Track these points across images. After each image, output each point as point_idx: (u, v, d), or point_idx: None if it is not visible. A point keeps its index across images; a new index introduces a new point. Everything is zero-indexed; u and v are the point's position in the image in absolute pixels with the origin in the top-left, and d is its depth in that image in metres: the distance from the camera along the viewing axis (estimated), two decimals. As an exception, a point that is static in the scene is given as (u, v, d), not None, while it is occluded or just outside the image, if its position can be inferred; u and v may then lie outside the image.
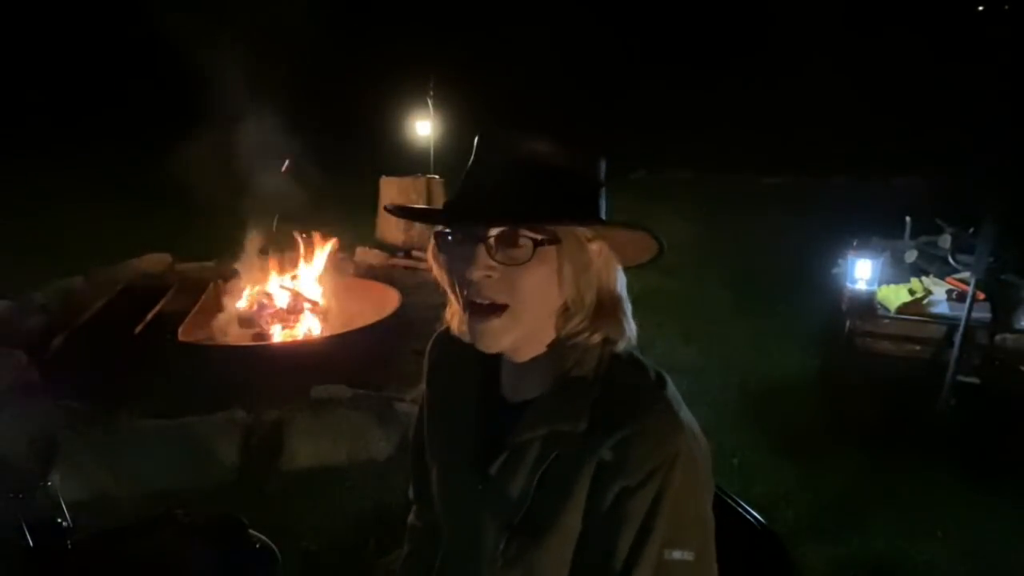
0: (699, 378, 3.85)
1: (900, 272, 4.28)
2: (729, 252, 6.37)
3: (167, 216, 6.71)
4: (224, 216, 4.56)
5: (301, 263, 4.53)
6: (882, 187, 8.51)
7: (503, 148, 0.96)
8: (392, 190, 6.43)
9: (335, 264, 4.65)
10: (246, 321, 4.09)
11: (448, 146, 7.01)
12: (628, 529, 0.91)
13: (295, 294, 4.29)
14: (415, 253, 6.05)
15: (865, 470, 3.17)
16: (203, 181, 4.29)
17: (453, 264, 0.96)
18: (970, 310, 3.44)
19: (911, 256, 4.42)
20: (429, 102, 6.63)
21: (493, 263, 0.92)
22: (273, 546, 1.44)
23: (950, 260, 4.20)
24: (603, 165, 1.00)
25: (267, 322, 4.07)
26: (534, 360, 1.01)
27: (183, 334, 3.79)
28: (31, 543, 1.25)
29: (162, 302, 4.38)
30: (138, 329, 3.97)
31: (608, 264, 0.98)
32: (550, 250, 0.93)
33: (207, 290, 4.34)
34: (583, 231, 0.95)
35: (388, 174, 6.54)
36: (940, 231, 4.46)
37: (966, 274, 3.86)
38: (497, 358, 1.06)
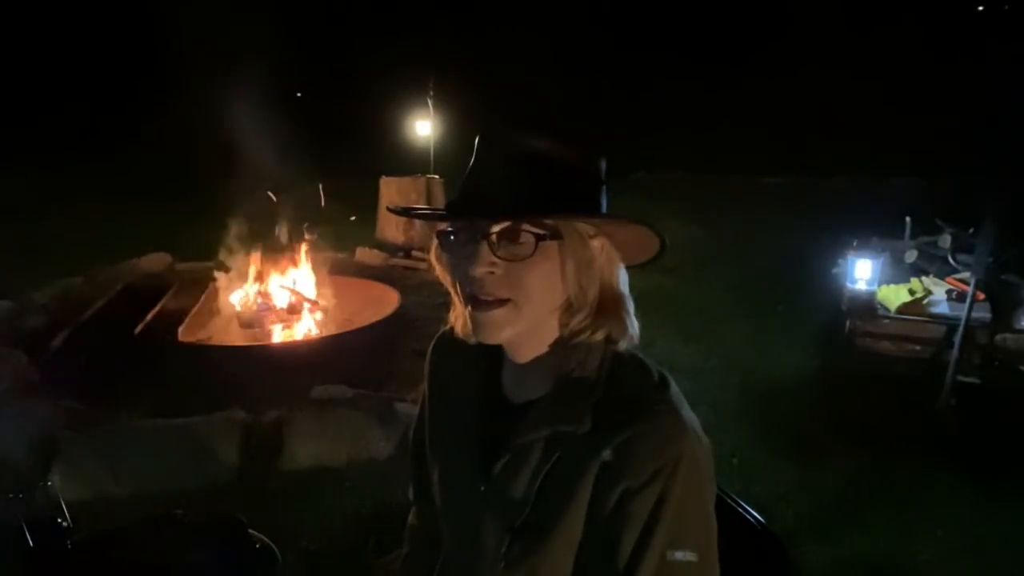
0: (699, 378, 3.84)
1: (900, 272, 4.28)
2: (729, 252, 6.37)
3: (167, 216, 6.72)
4: (223, 216, 4.56)
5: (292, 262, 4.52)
6: (882, 187, 8.51)
7: (504, 145, 0.96)
8: (392, 190, 6.43)
9: (322, 260, 4.64)
10: (246, 321, 4.09)
11: (448, 146, 7.01)
12: (631, 530, 0.90)
13: (295, 294, 4.29)
14: (415, 253, 6.05)
15: (865, 470, 3.17)
16: (203, 181, 4.29)
17: (456, 262, 0.96)
18: (970, 310, 3.45)
19: (911, 256, 4.42)
20: (429, 102, 6.63)
21: (495, 259, 0.92)
22: (273, 546, 1.45)
23: (950, 260, 4.20)
24: (604, 163, 1.00)
25: (267, 322, 4.07)
26: (536, 360, 1.01)
27: (183, 334, 3.79)
28: (31, 543, 1.25)
29: (162, 302, 4.38)
30: (138, 329, 3.98)
31: (610, 261, 0.98)
32: (552, 246, 0.93)
33: (207, 290, 4.34)
34: (585, 227, 0.95)
35: (388, 174, 6.54)
36: (940, 231, 4.46)
37: (966, 274, 3.87)
38: (499, 359, 1.06)
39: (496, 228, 0.92)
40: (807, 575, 2.46)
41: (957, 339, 3.47)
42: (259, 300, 4.23)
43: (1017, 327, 3.70)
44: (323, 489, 2.92)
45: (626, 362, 0.99)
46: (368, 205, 6.69)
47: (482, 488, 1.02)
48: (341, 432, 3.17)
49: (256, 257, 4.35)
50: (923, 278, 4.13)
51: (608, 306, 0.98)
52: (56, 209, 7.33)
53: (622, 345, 0.99)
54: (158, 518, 1.44)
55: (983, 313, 3.67)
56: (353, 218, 4.71)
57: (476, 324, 0.96)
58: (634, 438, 0.92)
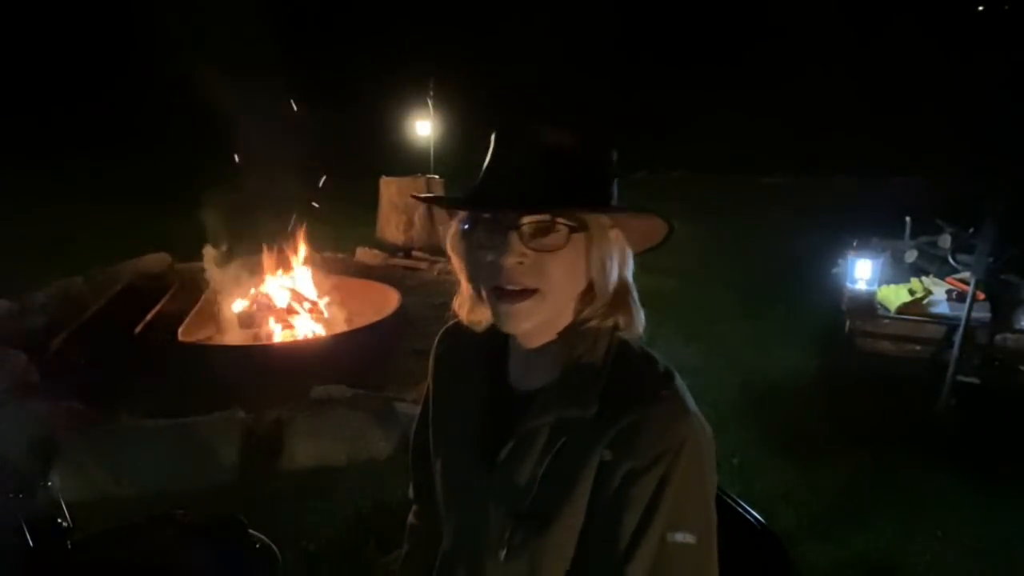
0: (699, 378, 3.84)
1: (900, 272, 4.28)
2: (729, 252, 6.37)
3: (167, 216, 6.72)
4: (224, 215, 4.56)
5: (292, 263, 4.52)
6: (882, 187, 8.51)
7: (528, 139, 0.98)
8: (392, 190, 6.43)
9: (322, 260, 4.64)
10: (246, 321, 4.09)
11: (448, 146, 7.02)
12: (632, 511, 0.92)
13: (295, 294, 4.29)
14: (415, 253, 6.06)
15: (865, 470, 3.17)
16: (203, 181, 4.30)
17: (478, 252, 0.97)
18: (970, 310, 3.45)
19: (911, 256, 4.42)
20: (429, 102, 6.63)
21: (526, 250, 0.94)
22: (273, 546, 1.44)
23: (950, 260, 4.20)
24: (616, 155, 1.02)
25: (267, 322, 4.07)
26: (544, 347, 1.02)
27: (183, 334, 3.79)
28: (31, 543, 1.25)
29: (162, 302, 4.38)
30: (138, 329, 3.97)
31: (623, 250, 1.01)
32: (580, 237, 0.95)
33: (207, 290, 4.34)
34: (604, 219, 0.97)
35: (388, 174, 6.54)
36: (940, 231, 4.46)
37: (966, 274, 3.86)
38: (505, 349, 1.08)
39: (527, 219, 0.93)
40: (807, 575, 2.46)
41: (957, 339, 3.47)
42: (259, 300, 4.22)
43: (1017, 327, 3.70)
44: (323, 489, 2.92)
45: (632, 350, 1.01)
46: (368, 205, 6.69)
47: (487, 476, 1.03)
48: (341, 432, 3.16)
49: (256, 257, 4.35)
50: (923, 278, 4.13)
51: (619, 295, 1.01)
52: (56, 209, 7.32)
53: (629, 333, 1.02)
54: (158, 518, 1.44)
55: (983, 313, 3.66)
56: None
57: (502, 314, 0.97)
58: (639, 422, 0.93)
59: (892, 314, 3.85)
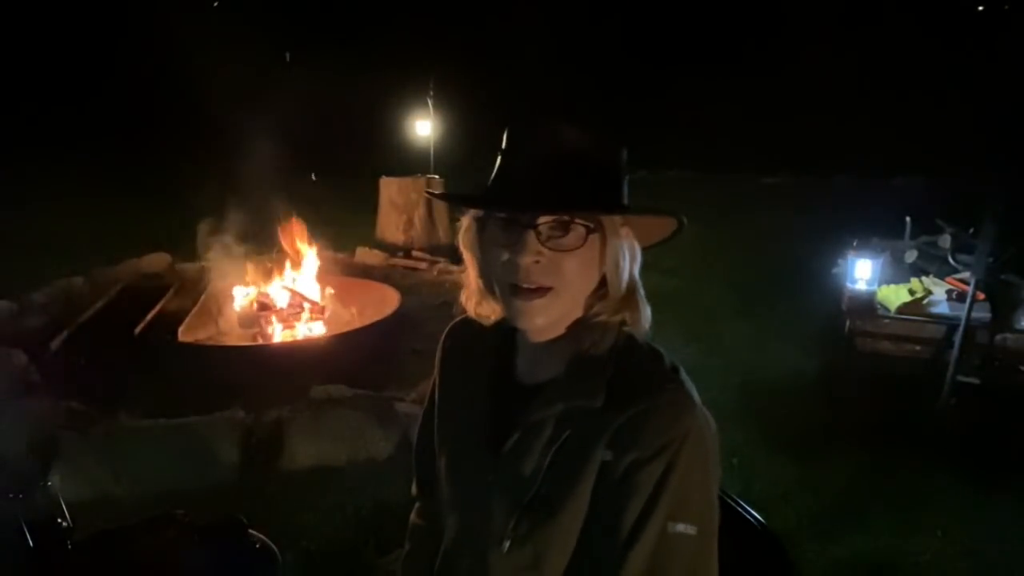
0: (699, 378, 3.80)
1: (900, 272, 4.27)
2: (729, 252, 6.37)
3: (167, 216, 6.71)
4: (223, 216, 4.56)
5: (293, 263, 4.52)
6: (882, 187, 8.51)
7: (544, 137, 0.99)
8: (392, 190, 6.43)
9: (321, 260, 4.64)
10: (246, 321, 4.09)
11: (448, 146, 7.02)
12: (636, 501, 0.93)
13: (295, 294, 4.29)
14: (415, 253, 6.05)
15: (865, 470, 3.17)
16: (203, 181, 4.30)
17: (493, 249, 0.98)
18: (970, 310, 3.44)
19: (911, 256, 4.42)
20: (429, 102, 6.63)
21: (542, 249, 0.95)
22: (273, 546, 1.44)
23: (950, 260, 4.20)
24: (625, 154, 1.04)
25: (267, 322, 4.07)
26: (552, 341, 1.03)
27: (183, 334, 3.78)
28: (31, 543, 1.25)
29: (162, 302, 4.38)
30: (138, 329, 3.97)
31: (633, 247, 1.02)
32: (595, 236, 0.97)
33: (207, 290, 4.34)
34: (618, 217, 0.99)
35: (388, 174, 6.54)
36: (940, 231, 4.46)
37: (966, 274, 3.86)
38: (513, 343, 1.09)
39: (544, 219, 0.94)
40: (807, 575, 2.46)
41: (957, 339, 3.47)
42: (259, 300, 4.22)
43: (1017, 327, 3.69)
44: (323, 489, 2.92)
45: (639, 345, 1.03)
46: (368, 205, 6.69)
47: (492, 467, 1.04)
48: (341, 432, 3.16)
49: (256, 257, 4.35)
50: (923, 278, 4.12)
51: (627, 291, 1.02)
52: (56, 208, 7.32)
53: (636, 328, 1.03)
54: (158, 518, 1.43)
55: (983, 313, 3.66)
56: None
57: (516, 311, 0.98)
58: (646, 411, 0.95)
59: (892, 314, 3.84)
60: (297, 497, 2.88)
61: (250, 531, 1.44)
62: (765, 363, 4.23)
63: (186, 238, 5.72)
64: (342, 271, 5.19)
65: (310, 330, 4.11)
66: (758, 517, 1.20)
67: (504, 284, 0.99)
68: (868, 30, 13.72)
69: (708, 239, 6.42)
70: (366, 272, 5.47)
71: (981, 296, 3.62)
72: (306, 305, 4.24)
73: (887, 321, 3.85)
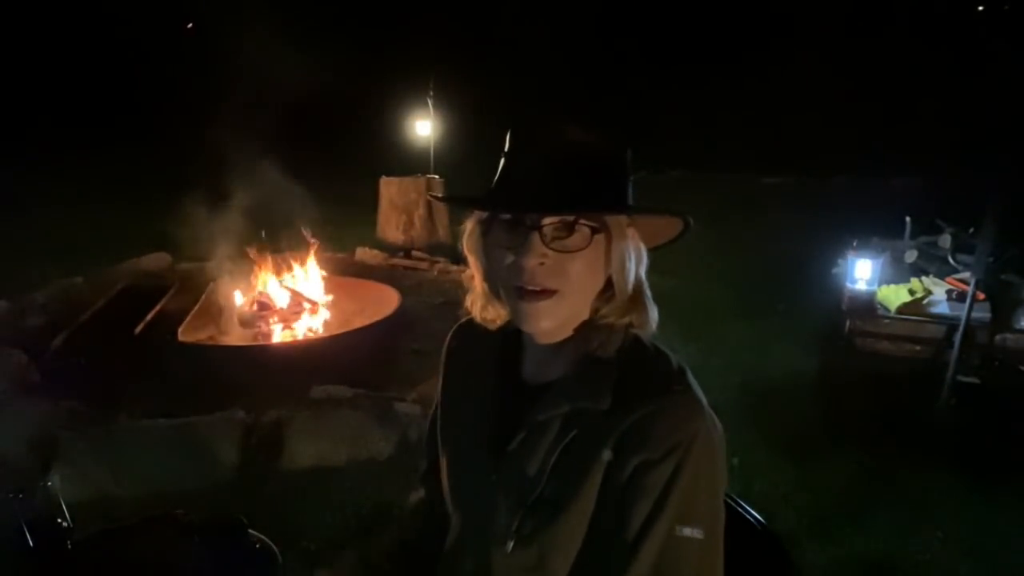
0: (699, 378, 3.82)
1: (900, 272, 4.28)
2: (729, 252, 6.36)
3: (167, 216, 6.71)
4: (223, 216, 4.56)
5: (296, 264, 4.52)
6: (882, 187, 8.51)
7: (547, 138, 0.98)
8: (392, 190, 6.43)
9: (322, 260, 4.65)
10: (246, 321, 4.09)
11: (448, 146, 7.01)
12: (643, 503, 0.92)
13: (295, 294, 4.29)
14: (415, 253, 6.05)
15: (865, 470, 3.17)
16: (203, 181, 4.30)
17: (497, 252, 0.98)
18: (970, 310, 3.45)
19: (911, 256, 4.42)
20: (429, 102, 6.62)
21: (547, 251, 0.94)
22: (273, 546, 1.44)
23: (950, 260, 4.20)
24: (630, 155, 1.03)
25: (267, 322, 4.07)
26: (560, 343, 1.03)
27: (183, 334, 3.78)
28: (31, 543, 1.25)
29: (162, 302, 4.38)
30: (138, 329, 3.97)
31: (639, 248, 1.02)
32: (600, 237, 0.96)
33: (207, 290, 4.34)
34: (623, 217, 0.98)
35: (388, 174, 6.54)
36: (940, 231, 4.46)
37: (966, 274, 3.86)
38: (519, 343, 1.09)
39: (549, 221, 0.94)
40: (807, 575, 2.46)
41: (957, 339, 3.47)
42: (259, 300, 4.22)
43: (1017, 327, 3.70)
44: (323, 489, 2.92)
45: (646, 346, 1.03)
46: (368, 205, 6.69)
47: (496, 466, 1.03)
48: (341, 432, 3.16)
49: (257, 257, 4.35)
50: (923, 278, 4.13)
51: (633, 292, 1.02)
52: (56, 209, 7.32)
53: (643, 330, 1.03)
54: (158, 518, 1.43)
55: (983, 313, 3.66)
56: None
57: (522, 314, 0.98)
58: (655, 413, 0.94)
59: (892, 314, 3.85)
60: (297, 497, 2.88)
61: (250, 531, 1.44)
62: (765, 363, 4.22)
63: (186, 238, 5.73)
64: (342, 271, 5.19)
65: (310, 330, 4.11)
66: (758, 517, 1.20)
67: (509, 287, 0.98)
68: (868, 30, 13.72)
69: (708, 239, 6.41)
70: (366, 272, 5.47)
71: (981, 296, 3.63)
72: (306, 305, 4.24)
73: (887, 321, 3.85)
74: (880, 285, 4.03)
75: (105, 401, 3.39)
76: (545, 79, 11.85)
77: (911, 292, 3.92)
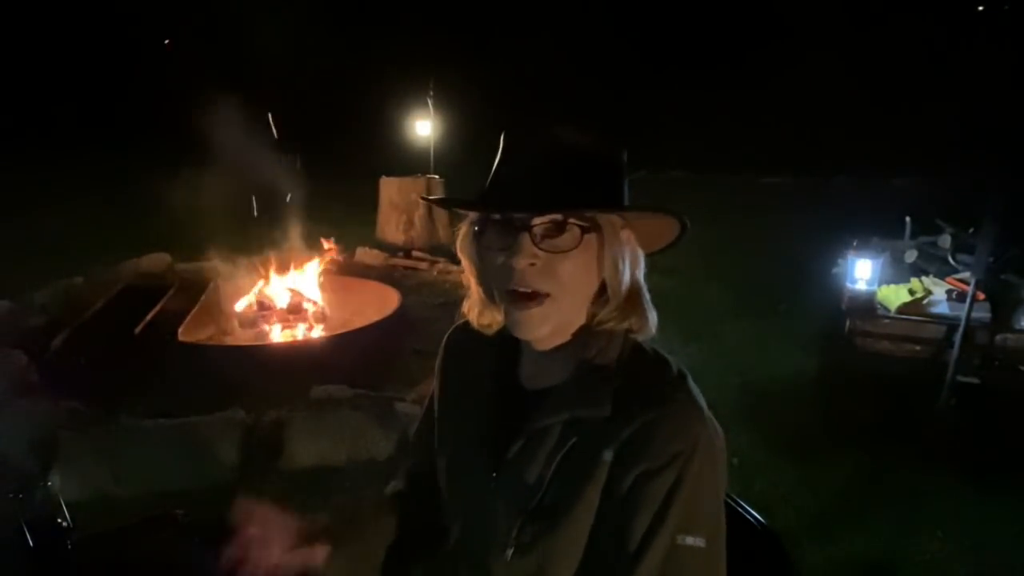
0: (699, 378, 3.81)
1: (900, 272, 4.28)
2: (729, 252, 6.36)
3: (167, 216, 6.70)
4: (223, 216, 4.56)
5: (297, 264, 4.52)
6: (882, 187, 8.51)
7: (539, 139, 0.98)
8: (392, 190, 6.43)
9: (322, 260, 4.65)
10: (246, 321, 4.09)
11: (448, 146, 7.01)
12: (645, 512, 0.91)
13: (295, 294, 4.29)
14: (415, 253, 6.05)
15: (865, 470, 3.17)
16: (203, 181, 4.30)
17: (490, 254, 0.97)
18: (970, 310, 3.44)
19: (911, 256, 4.42)
20: (429, 102, 6.63)
21: (538, 251, 0.93)
22: (273, 546, 1.44)
23: (950, 260, 4.20)
24: (626, 155, 1.02)
25: (267, 322, 4.07)
26: (557, 348, 1.02)
27: (183, 334, 3.78)
28: (31, 543, 1.25)
29: (162, 302, 4.38)
30: (138, 329, 3.97)
31: (635, 251, 1.01)
32: (592, 238, 0.95)
33: (207, 290, 4.34)
34: (616, 219, 0.97)
35: (388, 174, 6.54)
36: (940, 231, 4.46)
37: (966, 274, 3.86)
38: (516, 347, 1.07)
39: (539, 221, 0.93)
40: (807, 575, 2.46)
41: (957, 339, 3.46)
42: (259, 300, 4.22)
43: (1017, 327, 3.69)
44: (323, 489, 2.92)
45: (645, 352, 1.01)
46: (368, 205, 6.69)
47: (495, 473, 1.02)
48: (341, 432, 3.16)
49: (257, 257, 4.35)
50: (923, 278, 4.12)
51: (632, 297, 1.00)
52: (56, 209, 7.32)
53: (642, 336, 1.02)
54: (158, 518, 1.43)
55: (983, 313, 3.66)
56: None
57: (515, 322, 0.97)
58: (656, 420, 0.93)
59: (892, 314, 3.84)
60: (297, 497, 2.88)
61: (250, 531, 1.44)
62: (765, 363, 4.22)
63: (186, 238, 5.73)
64: (342, 271, 5.19)
65: (310, 330, 4.11)
66: (758, 517, 1.20)
67: (502, 291, 0.97)
68: (869, 30, 13.72)
69: (708, 239, 6.41)
70: (366, 272, 5.47)
71: (981, 296, 3.62)
72: (306, 305, 4.24)
73: (887, 321, 3.85)
74: (880, 285, 4.02)
75: (105, 401, 3.39)
76: (545, 79, 11.85)
77: (911, 292, 3.91)
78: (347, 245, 6.06)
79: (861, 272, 4.04)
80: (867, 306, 3.95)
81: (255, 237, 4.47)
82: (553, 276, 0.94)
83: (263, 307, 4.17)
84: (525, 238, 0.93)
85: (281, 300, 4.24)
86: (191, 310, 4.09)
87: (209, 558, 1.34)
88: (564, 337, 1.01)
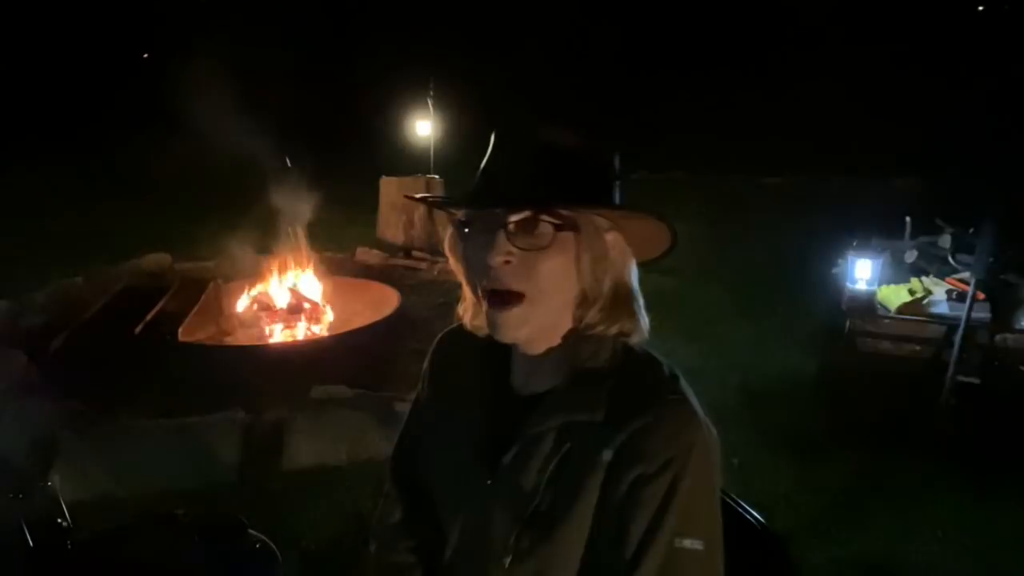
0: (699, 378, 3.79)
1: (900, 272, 4.27)
2: (729, 252, 6.36)
3: (167, 216, 6.71)
4: (223, 216, 4.56)
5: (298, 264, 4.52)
6: (882, 187, 8.50)
7: (521, 137, 0.98)
8: (392, 190, 6.42)
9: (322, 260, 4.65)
10: (246, 321, 4.09)
11: (448, 146, 7.01)
12: (641, 516, 0.91)
13: (295, 294, 4.29)
14: (415, 253, 6.05)
15: (865, 470, 3.16)
16: (202, 181, 4.30)
17: (471, 252, 0.96)
18: (970, 310, 3.44)
19: (911, 256, 4.41)
20: (429, 102, 6.62)
21: (512, 248, 0.93)
22: (273, 546, 1.45)
23: (950, 260, 4.20)
24: (618, 158, 1.01)
25: (267, 322, 4.07)
26: (548, 352, 1.01)
27: (183, 334, 3.78)
28: (31, 543, 1.25)
29: (162, 302, 4.38)
30: (138, 329, 3.97)
31: (623, 256, 0.99)
32: (568, 237, 0.94)
33: (207, 290, 4.34)
34: (601, 221, 0.96)
35: (388, 174, 6.54)
36: (940, 231, 4.45)
37: (966, 274, 3.86)
38: (508, 351, 1.06)
39: (514, 217, 0.92)
40: (807, 575, 2.46)
41: (957, 339, 3.46)
42: (259, 300, 4.23)
43: (1017, 327, 3.69)
44: (323, 489, 2.92)
45: (638, 355, 1.01)
46: (368, 205, 6.69)
47: (490, 480, 1.01)
48: (341, 432, 3.17)
49: (257, 257, 4.35)
50: (923, 278, 4.12)
51: (621, 301, 0.99)
52: (56, 208, 7.32)
53: (634, 339, 1.01)
54: (158, 518, 1.44)
55: (983, 313, 3.66)
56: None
57: (492, 323, 0.96)
58: (650, 424, 0.93)
59: (892, 314, 3.84)
60: (297, 497, 2.88)
61: (250, 531, 1.44)
62: (765, 363, 4.22)
63: (186, 238, 5.73)
64: (342, 271, 5.19)
65: (310, 330, 4.11)
66: (758, 517, 1.20)
67: (482, 291, 0.96)
68: (869, 30, 13.72)
69: (708, 239, 6.41)
70: (366, 272, 5.47)
71: (981, 296, 3.62)
72: (306, 305, 4.25)
73: (887, 321, 3.85)
74: (880, 285, 4.02)
75: (105, 401, 3.40)
76: (546, 80, 11.84)
77: (911, 292, 3.91)
78: (347, 245, 6.07)
79: (861, 272, 4.04)
80: (867, 306, 3.95)
81: (254, 233, 4.46)
82: (529, 275, 0.93)
83: (263, 307, 4.17)
84: (500, 235, 0.92)
85: (281, 300, 4.24)
86: (191, 310, 4.09)
87: (209, 558, 1.34)
88: (552, 341, 1.00)
